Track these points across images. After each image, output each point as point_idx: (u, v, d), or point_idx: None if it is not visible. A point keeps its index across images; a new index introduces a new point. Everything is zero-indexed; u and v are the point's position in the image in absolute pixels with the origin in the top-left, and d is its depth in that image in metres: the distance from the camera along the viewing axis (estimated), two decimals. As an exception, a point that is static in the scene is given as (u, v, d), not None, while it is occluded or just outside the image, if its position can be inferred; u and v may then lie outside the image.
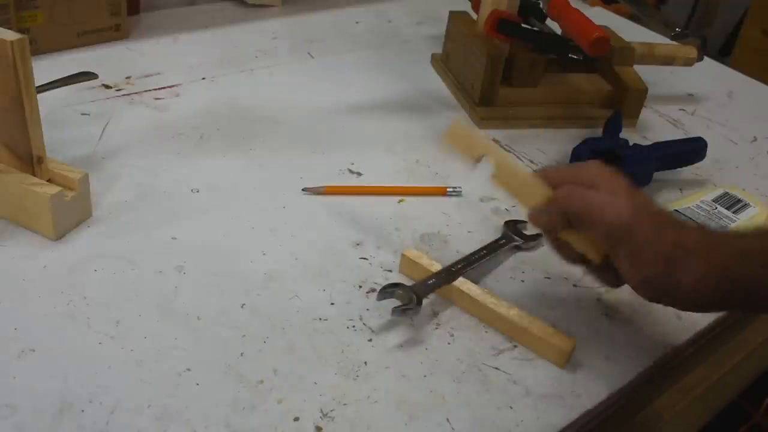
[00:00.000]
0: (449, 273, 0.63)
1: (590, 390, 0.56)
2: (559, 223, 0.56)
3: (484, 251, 0.67)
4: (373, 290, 0.62)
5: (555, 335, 0.57)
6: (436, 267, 0.63)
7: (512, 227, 0.70)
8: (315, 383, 0.54)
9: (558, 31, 0.92)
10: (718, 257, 0.51)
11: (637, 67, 0.94)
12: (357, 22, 1.14)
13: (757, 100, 1.06)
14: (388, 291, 0.60)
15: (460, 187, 0.76)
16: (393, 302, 0.59)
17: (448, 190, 0.76)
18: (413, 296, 0.59)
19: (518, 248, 0.70)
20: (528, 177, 0.58)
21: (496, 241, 0.69)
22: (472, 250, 0.67)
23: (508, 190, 0.60)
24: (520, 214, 0.74)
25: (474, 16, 0.96)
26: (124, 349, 0.55)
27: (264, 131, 0.83)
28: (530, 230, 0.71)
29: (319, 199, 0.73)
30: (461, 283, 0.61)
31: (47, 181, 0.64)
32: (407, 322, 0.60)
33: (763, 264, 0.50)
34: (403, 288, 0.60)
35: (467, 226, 0.72)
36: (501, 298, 0.60)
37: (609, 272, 0.56)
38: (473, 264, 0.65)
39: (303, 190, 0.74)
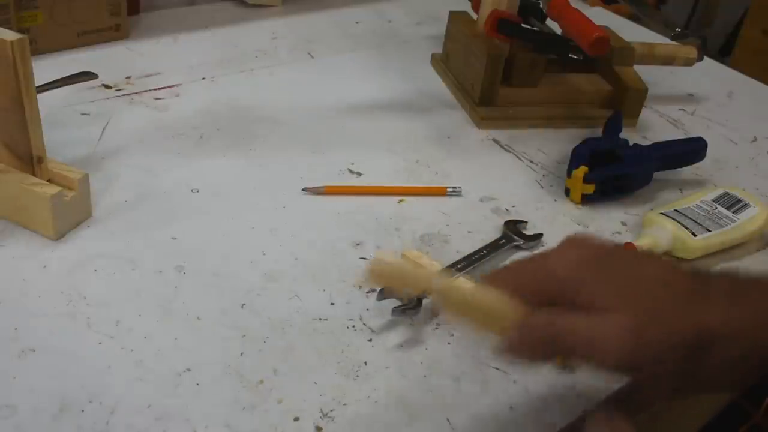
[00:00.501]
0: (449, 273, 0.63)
1: (590, 390, 0.56)
2: (546, 355, 0.44)
3: (484, 251, 0.67)
4: (373, 290, 0.62)
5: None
6: (437, 267, 0.62)
7: (512, 227, 0.70)
8: (315, 383, 0.54)
9: (558, 31, 0.92)
10: (754, 330, 0.40)
11: (637, 67, 0.94)
12: (357, 22, 1.14)
13: (757, 100, 1.06)
14: (388, 291, 0.59)
15: (460, 187, 0.76)
16: (393, 302, 0.59)
17: (448, 190, 0.76)
18: (413, 296, 0.59)
19: (518, 248, 0.70)
20: (489, 298, 0.44)
21: (497, 240, 0.69)
22: (473, 250, 0.67)
23: (468, 318, 0.46)
24: (521, 214, 0.74)
25: (474, 16, 0.96)
26: (124, 349, 0.55)
27: (264, 131, 0.83)
28: (530, 230, 0.71)
29: (319, 199, 0.73)
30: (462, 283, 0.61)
31: (47, 181, 0.64)
32: (407, 322, 0.60)
33: None
34: None
35: (467, 226, 0.72)
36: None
37: None
38: (473, 264, 0.65)
39: (303, 190, 0.74)
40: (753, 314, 0.41)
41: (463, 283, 0.47)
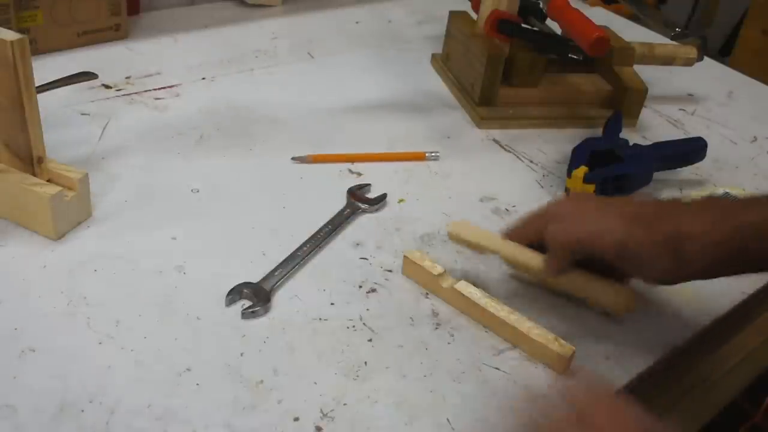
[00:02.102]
0: (294, 258, 0.64)
1: (590, 390, 0.56)
2: (569, 260, 0.59)
3: (329, 226, 0.69)
4: (374, 290, 0.63)
5: (555, 341, 0.57)
6: (438, 269, 0.62)
7: (356, 194, 0.73)
8: (315, 383, 0.54)
9: (558, 31, 0.92)
10: (722, 232, 0.53)
11: (637, 67, 0.94)
12: (357, 22, 1.14)
13: (757, 100, 1.06)
14: (236, 292, 0.60)
15: (437, 152, 0.82)
16: (243, 304, 0.59)
17: (427, 154, 0.81)
18: (260, 294, 0.60)
19: (364, 212, 0.72)
20: (530, 253, 0.61)
21: (341, 211, 0.71)
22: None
23: (519, 269, 0.64)
24: (521, 214, 0.74)
25: (474, 16, 0.96)
26: (124, 349, 0.55)
27: (264, 131, 0.83)
28: (373, 194, 0.74)
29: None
30: (463, 286, 0.61)
31: (47, 181, 0.64)
32: (407, 323, 0.60)
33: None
34: (248, 287, 0.60)
35: (467, 226, 0.72)
36: (501, 302, 0.60)
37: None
38: (320, 243, 0.66)
39: (292, 159, 0.77)
40: (710, 220, 0.53)
41: (514, 246, 0.62)
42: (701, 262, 0.53)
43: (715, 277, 0.57)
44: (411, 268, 0.64)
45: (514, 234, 0.62)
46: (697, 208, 0.56)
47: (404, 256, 0.64)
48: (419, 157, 0.81)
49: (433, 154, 0.82)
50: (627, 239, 0.54)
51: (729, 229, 0.53)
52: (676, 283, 0.56)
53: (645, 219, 0.55)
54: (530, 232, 0.61)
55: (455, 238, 0.64)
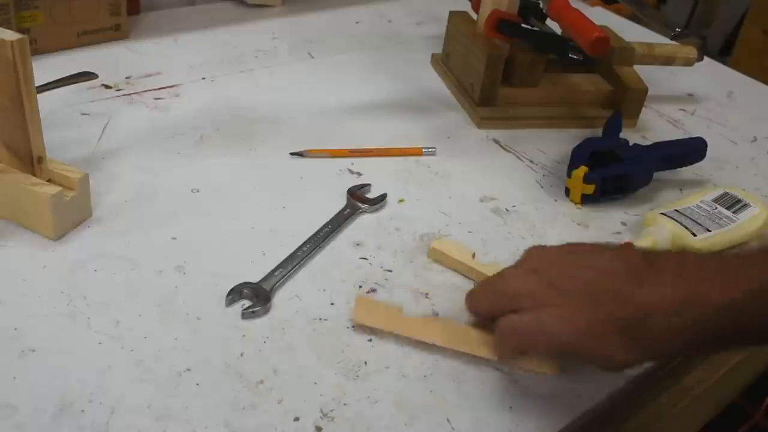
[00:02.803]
0: (294, 258, 0.64)
1: (590, 390, 0.56)
2: (521, 349, 0.55)
3: (329, 226, 0.68)
4: (374, 290, 0.63)
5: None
6: (467, 254, 0.63)
7: (356, 194, 0.73)
8: (315, 383, 0.54)
9: (558, 31, 0.92)
10: (692, 314, 0.47)
11: (637, 67, 0.94)
12: (357, 22, 1.14)
13: (757, 100, 1.06)
14: (236, 292, 0.60)
15: (434, 148, 0.82)
16: (243, 304, 0.59)
17: (423, 150, 0.82)
18: (260, 295, 0.60)
19: (364, 212, 0.72)
20: (460, 328, 0.58)
21: (341, 211, 0.71)
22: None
23: (453, 346, 0.57)
24: (521, 214, 0.74)
25: (474, 16, 0.96)
26: (124, 349, 0.55)
27: (264, 131, 0.83)
28: (373, 194, 0.74)
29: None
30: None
31: (47, 181, 0.64)
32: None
33: (741, 319, 0.47)
34: (248, 287, 0.60)
35: (467, 226, 0.72)
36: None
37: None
38: (320, 243, 0.66)
39: (291, 154, 0.78)
40: (688, 292, 0.47)
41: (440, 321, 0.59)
42: (667, 345, 0.48)
43: (695, 355, 0.54)
44: (438, 256, 0.65)
45: (471, 304, 0.58)
46: (670, 269, 0.49)
47: (431, 247, 0.65)
48: (416, 152, 0.82)
49: (429, 150, 0.82)
50: (580, 344, 0.49)
51: (707, 309, 0.46)
52: (632, 366, 0.51)
53: (605, 310, 0.49)
54: (484, 308, 0.57)
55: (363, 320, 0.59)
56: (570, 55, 0.84)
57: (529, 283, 0.53)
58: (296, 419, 0.51)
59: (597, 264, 0.52)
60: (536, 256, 0.55)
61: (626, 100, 0.91)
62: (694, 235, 0.70)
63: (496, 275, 0.57)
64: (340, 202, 0.73)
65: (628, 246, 0.55)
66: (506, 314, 0.53)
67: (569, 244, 0.56)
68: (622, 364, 0.50)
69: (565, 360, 0.56)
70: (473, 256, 0.66)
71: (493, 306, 0.55)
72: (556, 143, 0.87)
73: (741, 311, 0.46)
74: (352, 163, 0.79)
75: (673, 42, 1.01)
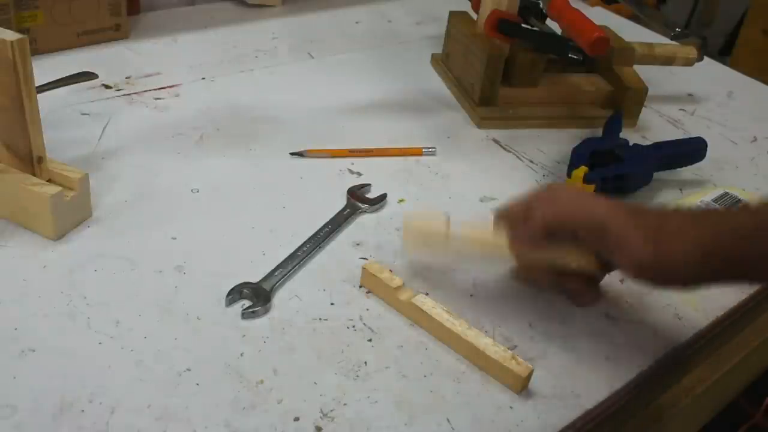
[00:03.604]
0: (294, 258, 0.64)
1: (590, 390, 0.56)
2: (541, 242, 0.59)
3: (329, 226, 0.68)
4: (371, 291, 0.62)
5: (512, 360, 0.55)
6: (396, 282, 0.61)
7: (356, 194, 0.73)
8: (315, 383, 0.54)
9: (558, 31, 0.92)
10: (705, 235, 0.52)
11: (637, 67, 0.94)
12: (357, 22, 1.14)
13: (757, 100, 1.06)
14: (236, 292, 0.60)
15: (434, 148, 0.82)
16: (243, 304, 0.59)
17: (423, 150, 0.82)
18: (260, 295, 0.60)
19: (364, 212, 0.72)
20: (497, 237, 0.61)
21: (341, 212, 0.71)
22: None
23: (485, 254, 0.63)
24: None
25: (474, 16, 0.96)
26: (124, 349, 0.55)
27: (264, 131, 0.83)
28: (373, 194, 0.73)
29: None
30: (420, 300, 0.59)
31: (47, 181, 0.64)
32: (407, 322, 0.60)
33: (753, 239, 0.51)
34: (248, 287, 0.60)
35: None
36: (459, 316, 0.58)
37: (586, 287, 0.61)
38: (320, 243, 0.66)
39: (291, 154, 0.78)
40: (696, 224, 0.53)
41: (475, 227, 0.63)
42: (683, 265, 0.52)
43: (699, 285, 0.56)
44: (369, 281, 0.62)
45: (499, 219, 0.62)
46: (684, 212, 0.56)
47: (362, 268, 0.62)
48: (416, 152, 0.82)
49: (429, 150, 0.82)
50: (608, 220, 0.55)
51: (716, 232, 0.52)
52: (657, 283, 0.56)
53: (629, 208, 0.56)
54: (513, 217, 0.61)
55: (412, 247, 0.64)
56: (570, 55, 0.84)
57: (552, 191, 0.60)
58: (296, 419, 0.51)
59: (623, 201, 0.58)
60: (557, 185, 0.63)
61: (626, 100, 0.91)
62: (694, 235, 0.70)
63: (522, 198, 0.61)
64: (340, 202, 0.73)
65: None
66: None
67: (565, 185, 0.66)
68: (643, 262, 0.53)
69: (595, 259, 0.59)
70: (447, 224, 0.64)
71: (519, 212, 0.60)
72: (556, 143, 0.87)
73: (744, 237, 0.51)
74: (352, 163, 0.79)
75: (673, 42, 1.01)
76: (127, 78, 0.90)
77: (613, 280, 0.65)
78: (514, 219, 0.60)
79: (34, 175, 0.63)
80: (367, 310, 0.61)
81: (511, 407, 0.54)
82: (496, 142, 0.87)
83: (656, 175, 0.80)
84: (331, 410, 0.52)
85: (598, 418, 0.56)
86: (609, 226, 0.54)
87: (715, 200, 0.76)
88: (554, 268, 0.61)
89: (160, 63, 0.94)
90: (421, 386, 0.55)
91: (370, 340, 0.58)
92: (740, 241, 0.52)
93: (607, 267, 0.60)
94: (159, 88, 0.89)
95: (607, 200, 0.57)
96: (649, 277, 0.55)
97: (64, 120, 0.81)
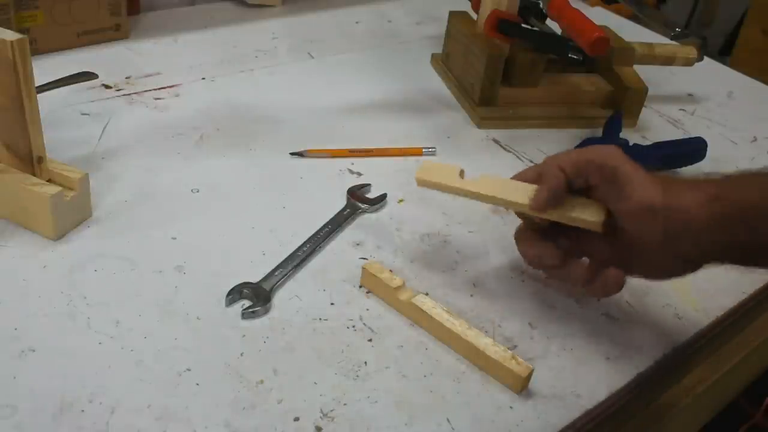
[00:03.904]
0: (294, 258, 0.64)
1: (590, 390, 0.56)
2: (560, 198, 0.57)
3: (329, 226, 0.68)
4: (370, 291, 0.62)
5: (511, 360, 0.55)
6: (396, 281, 0.60)
7: (356, 194, 0.73)
8: (315, 383, 0.54)
9: (558, 31, 0.92)
10: (712, 185, 0.53)
11: (637, 67, 0.94)
12: (357, 22, 1.14)
13: (757, 100, 1.06)
14: (236, 292, 0.60)
15: (434, 148, 0.83)
16: (243, 304, 0.59)
17: (423, 150, 0.82)
18: (260, 295, 0.60)
19: (364, 212, 0.72)
20: (513, 185, 0.60)
21: (341, 212, 0.71)
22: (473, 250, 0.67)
23: (497, 201, 0.61)
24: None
25: (474, 16, 0.96)
26: (124, 349, 0.55)
27: (264, 131, 0.83)
28: (373, 194, 0.73)
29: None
30: (420, 300, 0.59)
31: (47, 181, 0.64)
32: (406, 322, 0.60)
33: (763, 186, 0.52)
34: (248, 287, 0.60)
35: (467, 226, 0.72)
36: (459, 316, 0.58)
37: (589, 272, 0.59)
38: (320, 243, 0.66)
39: (291, 154, 0.78)
40: (711, 193, 0.52)
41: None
42: (693, 206, 0.52)
43: (707, 262, 0.54)
44: (369, 281, 0.62)
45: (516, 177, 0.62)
46: (696, 181, 0.55)
47: (362, 268, 0.62)
48: (416, 152, 0.82)
49: (429, 150, 0.82)
50: (620, 163, 0.55)
51: (724, 181, 0.53)
52: (665, 244, 0.53)
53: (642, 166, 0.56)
54: (529, 174, 0.60)
55: (425, 184, 0.63)
56: (570, 55, 0.84)
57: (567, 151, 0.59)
58: (296, 419, 0.51)
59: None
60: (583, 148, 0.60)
61: (626, 100, 0.91)
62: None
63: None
64: (340, 202, 0.73)
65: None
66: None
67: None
68: (654, 196, 0.53)
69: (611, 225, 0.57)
70: (461, 173, 0.64)
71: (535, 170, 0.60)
72: (556, 143, 0.87)
73: (758, 213, 0.50)
74: (352, 163, 0.79)
75: (673, 42, 1.01)
76: (127, 78, 0.90)
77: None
78: (533, 176, 0.60)
79: (34, 175, 0.63)
80: (367, 310, 0.61)
81: (511, 407, 0.54)
82: (496, 142, 0.87)
83: (656, 175, 0.80)
84: (331, 410, 0.52)
85: (598, 418, 0.56)
86: (620, 167, 0.55)
87: (715, 200, 0.76)
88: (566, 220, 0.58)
89: (160, 63, 0.94)
90: (421, 386, 0.55)
91: (370, 340, 0.58)
92: (749, 189, 0.52)
93: (612, 227, 0.57)
94: (159, 88, 0.89)
95: (621, 151, 0.57)
96: (657, 229, 0.53)
97: (64, 120, 0.81)
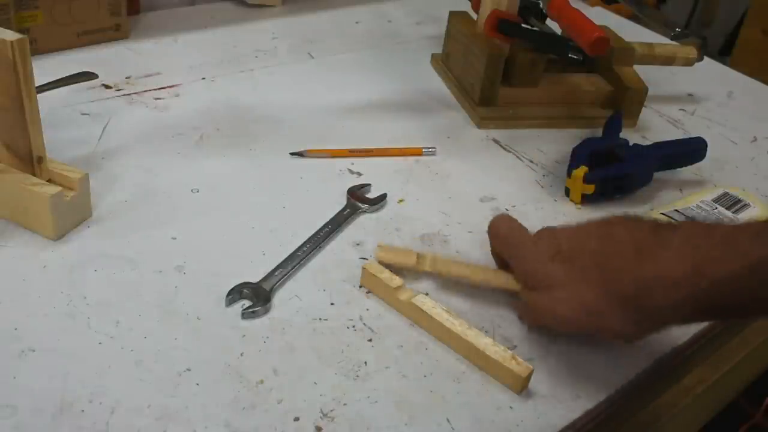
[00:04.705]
0: (294, 258, 0.64)
1: (590, 390, 0.56)
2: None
3: (329, 226, 0.68)
4: (370, 291, 0.62)
5: (511, 360, 0.55)
6: (396, 281, 0.60)
7: (356, 194, 0.73)
8: (315, 383, 0.54)
9: (558, 31, 0.92)
10: (690, 286, 0.49)
11: (637, 67, 0.94)
12: (357, 22, 1.14)
13: (757, 100, 1.06)
14: (236, 292, 0.60)
15: (434, 148, 0.82)
16: (243, 304, 0.59)
17: (423, 150, 0.82)
18: (260, 295, 0.60)
19: (364, 212, 0.72)
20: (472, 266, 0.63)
21: (341, 212, 0.71)
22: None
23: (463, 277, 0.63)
24: (521, 213, 0.74)
25: (474, 16, 0.96)
26: (124, 349, 0.55)
27: (264, 131, 0.83)
28: (373, 194, 0.74)
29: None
30: (420, 300, 0.59)
31: (47, 181, 0.64)
32: (406, 322, 0.60)
33: (741, 287, 0.48)
34: (248, 287, 0.60)
35: (467, 226, 0.72)
36: (458, 316, 0.58)
37: None
38: (320, 243, 0.66)
39: (291, 154, 0.78)
40: (688, 266, 0.49)
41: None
42: (668, 317, 0.51)
43: (697, 322, 0.56)
44: (369, 281, 0.62)
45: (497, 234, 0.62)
46: (676, 243, 0.51)
47: (362, 268, 0.62)
48: (416, 152, 0.82)
49: (429, 150, 0.82)
50: (580, 322, 0.54)
51: (705, 282, 0.48)
52: (640, 338, 0.54)
53: (601, 277, 0.53)
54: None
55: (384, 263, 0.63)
56: (570, 55, 0.84)
57: (550, 264, 0.56)
58: (296, 419, 0.51)
59: (614, 234, 0.54)
60: (557, 237, 0.58)
61: (626, 100, 0.91)
62: (694, 235, 0.70)
63: (526, 251, 0.59)
64: (340, 202, 0.73)
65: (638, 219, 0.56)
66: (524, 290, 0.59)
67: (581, 224, 0.58)
68: (629, 336, 0.53)
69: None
70: (416, 258, 0.64)
71: (521, 278, 0.60)
72: (556, 143, 0.87)
73: (739, 284, 0.48)
74: (352, 163, 0.79)
75: (673, 42, 1.01)
76: (127, 78, 0.90)
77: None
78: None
79: (34, 175, 0.63)
80: (367, 310, 0.61)
81: (511, 407, 0.54)
82: (496, 142, 0.87)
83: (656, 175, 0.80)
84: (331, 410, 0.52)
85: (598, 418, 0.56)
86: (582, 327, 0.55)
87: (715, 200, 0.76)
88: None
89: (160, 63, 0.94)
90: (421, 386, 0.55)
91: (370, 340, 0.58)
92: (733, 290, 0.48)
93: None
94: (159, 88, 0.89)
95: (571, 287, 0.54)
96: (640, 339, 0.54)
97: (64, 120, 0.81)
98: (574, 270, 0.54)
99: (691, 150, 0.82)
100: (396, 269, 0.62)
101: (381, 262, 0.63)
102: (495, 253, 0.64)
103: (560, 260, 0.55)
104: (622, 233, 0.54)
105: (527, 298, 0.58)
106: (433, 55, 1.04)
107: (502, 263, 0.63)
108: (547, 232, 0.59)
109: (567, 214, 0.76)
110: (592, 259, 0.54)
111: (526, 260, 0.58)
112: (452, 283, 0.64)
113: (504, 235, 0.61)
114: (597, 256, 0.54)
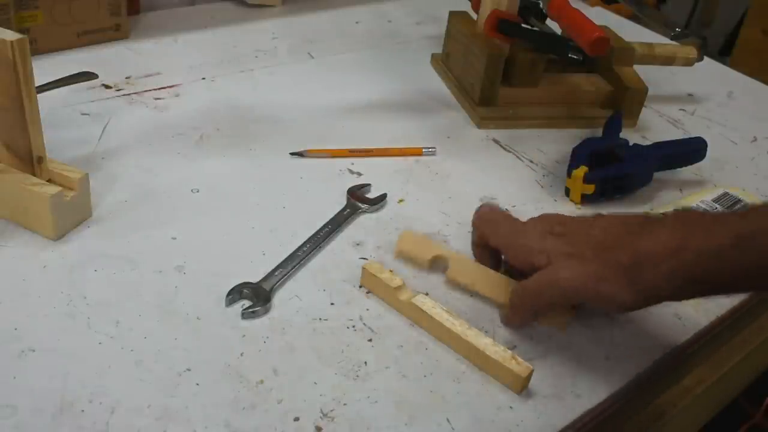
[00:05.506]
0: (294, 258, 0.64)
1: (590, 390, 0.56)
2: (530, 316, 0.60)
3: (329, 226, 0.68)
4: (370, 291, 0.62)
5: (511, 360, 0.55)
6: (396, 281, 0.60)
7: (356, 194, 0.73)
8: (315, 383, 0.54)
9: (558, 31, 0.92)
10: (683, 261, 0.51)
11: (637, 67, 0.94)
12: (357, 22, 1.14)
13: (757, 100, 1.06)
14: (236, 292, 0.60)
15: (434, 148, 0.82)
16: (243, 304, 0.59)
17: (423, 150, 0.82)
18: (260, 295, 0.60)
19: (364, 212, 0.72)
20: (486, 270, 0.63)
21: (341, 212, 0.70)
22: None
23: (470, 287, 0.63)
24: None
25: (474, 16, 0.96)
26: (124, 349, 0.55)
27: (264, 131, 0.83)
28: (373, 194, 0.74)
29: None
30: (420, 301, 0.59)
31: (47, 181, 0.64)
32: (407, 322, 0.60)
33: (733, 259, 0.51)
34: (248, 287, 0.60)
35: (467, 226, 0.72)
36: (458, 316, 0.58)
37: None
38: (320, 243, 0.66)
39: (291, 154, 0.78)
40: (679, 240, 0.52)
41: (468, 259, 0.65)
42: (660, 288, 0.52)
43: (689, 299, 0.56)
44: (369, 281, 0.62)
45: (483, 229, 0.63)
46: (668, 222, 0.54)
47: (363, 268, 0.62)
48: (416, 152, 0.82)
49: (429, 150, 0.82)
50: (579, 289, 0.55)
51: (696, 258, 0.51)
52: (641, 308, 0.55)
53: (597, 247, 0.55)
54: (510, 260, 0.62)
55: (402, 255, 0.66)
56: (570, 55, 0.84)
57: (544, 241, 0.58)
58: (296, 419, 0.51)
59: (602, 223, 0.58)
60: (550, 219, 0.61)
61: (626, 100, 0.91)
62: (694, 235, 0.70)
63: (518, 230, 0.61)
64: (340, 202, 0.73)
65: (629, 214, 0.59)
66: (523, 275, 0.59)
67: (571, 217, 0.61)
68: (629, 304, 0.54)
69: (576, 307, 0.61)
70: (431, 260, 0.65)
71: (514, 259, 0.60)
72: (556, 143, 0.87)
73: (725, 257, 0.50)
74: (352, 163, 0.79)
75: (673, 42, 1.01)
76: (127, 78, 0.90)
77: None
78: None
79: (34, 175, 0.63)
80: (367, 310, 0.61)
81: (511, 407, 0.54)
82: (496, 142, 0.87)
83: (656, 175, 0.80)
84: (331, 410, 0.52)
85: (598, 418, 0.56)
86: (583, 293, 0.55)
87: (715, 200, 0.76)
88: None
89: (160, 63, 0.94)
90: (421, 386, 0.55)
91: (370, 340, 0.58)
92: (721, 263, 0.51)
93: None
94: (159, 88, 0.89)
95: (583, 251, 0.56)
96: (636, 309, 0.56)
97: (64, 120, 0.81)
98: (569, 245, 0.57)
99: (691, 150, 0.82)
100: (412, 259, 0.65)
101: (401, 251, 0.65)
102: (478, 245, 0.65)
103: (554, 236, 0.58)
104: (613, 219, 0.57)
105: (526, 283, 0.58)
106: (433, 55, 1.04)
107: (484, 255, 0.64)
108: (537, 217, 0.62)
109: (567, 213, 0.75)
110: (587, 238, 0.56)
111: (520, 241, 0.59)
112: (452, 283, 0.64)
113: (493, 220, 0.63)
114: (591, 237, 0.56)
